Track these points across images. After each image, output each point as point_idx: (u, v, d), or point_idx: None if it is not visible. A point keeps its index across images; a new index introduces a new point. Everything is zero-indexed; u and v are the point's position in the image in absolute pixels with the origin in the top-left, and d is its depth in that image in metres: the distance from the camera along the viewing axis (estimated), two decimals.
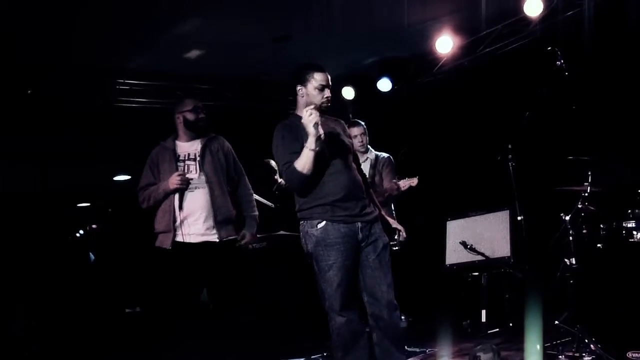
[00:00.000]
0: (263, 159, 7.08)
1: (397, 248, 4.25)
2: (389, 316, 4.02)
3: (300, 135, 3.95)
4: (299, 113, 4.09)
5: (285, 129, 4.10)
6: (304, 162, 3.90)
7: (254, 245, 6.53)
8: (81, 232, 9.25)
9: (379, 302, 4.01)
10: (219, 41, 6.62)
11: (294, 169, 3.93)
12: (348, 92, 8.20)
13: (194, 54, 6.89)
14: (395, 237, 4.26)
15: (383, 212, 4.32)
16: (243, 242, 4.92)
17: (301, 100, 4.11)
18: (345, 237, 3.98)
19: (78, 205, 9.64)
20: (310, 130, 3.85)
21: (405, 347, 4.86)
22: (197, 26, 6.24)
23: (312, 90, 4.05)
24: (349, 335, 3.99)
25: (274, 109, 8.36)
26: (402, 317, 5.18)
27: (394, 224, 4.34)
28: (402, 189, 5.71)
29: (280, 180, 7.10)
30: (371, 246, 4.06)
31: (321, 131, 3.88)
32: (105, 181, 9.26)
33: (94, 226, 9.32)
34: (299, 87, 4.09)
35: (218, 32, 6.41)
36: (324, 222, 4.00)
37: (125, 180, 9.43)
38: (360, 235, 4.02)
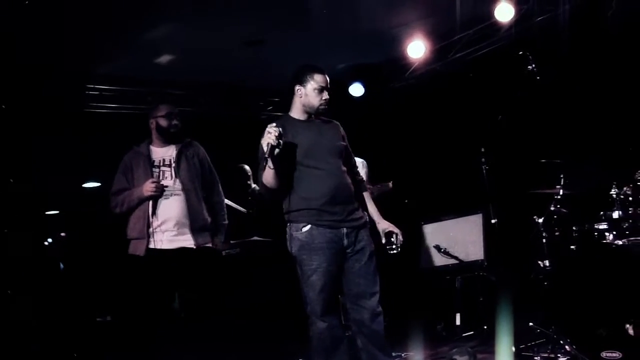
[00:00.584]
0: (237, 164, 7.05)
1: (394, 252, 4.17)
2: (373, 322, 4.00)
3: (286, 134, 3.94)
4: (292, 114, 4.12)
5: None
6: (265, 177, 3.95)
7: (227, 251, 6.49)
8: (49, 240, 9.08)
9: (363, 309, 4.00)
10: (192, 46, 6.56)
11: (261, 182, 3.99)
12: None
13: (165, 59, 6.82)
14: (392, 239, 4.16)
15: (377, 216, 4.26)
16: (215, 245, 4.86)
17: (298, 101, 4.10)
18: (330, 242, 3.94)
19: (47, 212, 9.47)
20: (263, 149, 3.84)
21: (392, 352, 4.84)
22: (169, 31, 6.18)
23: (310, 92, 4.04)
24: (330, 341, 3.98)
25: (247, 115, 8.35)
26: None
27: (390, 227, 4.21)
28: (375, 194, 5.71)
29: (254, 185, 7.07)
30: (358, 253, 4.02)
31: (271, 148, 3.81)
32: (74, 188, 9.12)
33: (62, 234, 9.16)
34: (297, 87, 4.07)
35: (191, 37, 6.36)
36: (309, 226, 3.98)
37: (95, 187, 9.30)
38: (345, 241, 3.99)
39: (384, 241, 4.16)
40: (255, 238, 6.66)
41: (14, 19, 5.50)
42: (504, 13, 6.28)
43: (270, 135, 3.81)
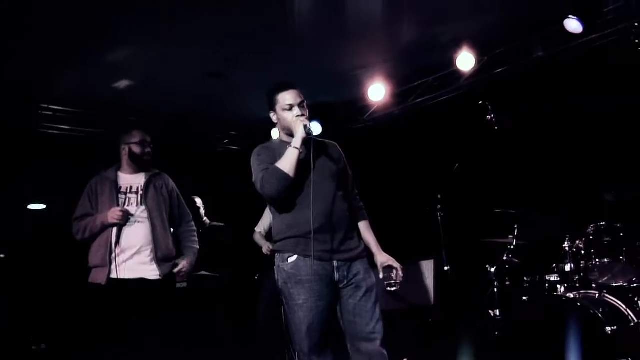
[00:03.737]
0: (190, 195, 6.94)
1: (393, 289, 3.90)
2: None
3: (277, 156, 3.64)
4: (281, 138, 3.83)
5: (262, 149, 3.81)
6: (286, 161, 3.56)
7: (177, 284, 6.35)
8: None
9: (361, 354, 3.62)
10: (151, 73, 6.49)
11: (275, 168, 3.57)
12: (276, 134, 8.15)
13: (123, 83, 6.71)
14: (392, 274, 3.80)
15: (376, 248, 3.85)
16: (177, 269, 4.62)
17: (278, 127, 3.84)
18: (317, 275, 3.58)
19: None
20: (298, 128, 3.59)
21: None
22: (129, 56, 6.09)
23: (281, 113, 3.74)
24: None
25: (202, 145, 8.27)
26: None
27: (390, 261, 3.80)
28: None
29: (205, 218, 6.96)
30: (351, 288, 3.64)
31: (306, 132, 3.59)
32: (18, 209, 8.87)
33: (1, 256, 8.86)
34: (271, 114, 3.82)
35: (150, 63, 6.29)
36: (295, 257, 3.63)
37: (40, 209, 9.06)
38: (336, 276, 3.62)
39: (381, 276, 3.79)
40: (203, 272, 6.55)
41: None
42: (465, 62, 6.38)
43: (303, 118, 3.62)
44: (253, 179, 3.73)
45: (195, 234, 4.95)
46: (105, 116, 7.26)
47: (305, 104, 3.76)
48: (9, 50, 5.68)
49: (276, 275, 3.73)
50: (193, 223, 4.95)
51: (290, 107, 3.71)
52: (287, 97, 3.73)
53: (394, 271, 3.78)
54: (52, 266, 7.46)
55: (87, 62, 6.11)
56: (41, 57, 5.89)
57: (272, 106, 3.81)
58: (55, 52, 5.83)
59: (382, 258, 3.81)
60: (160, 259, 4.54)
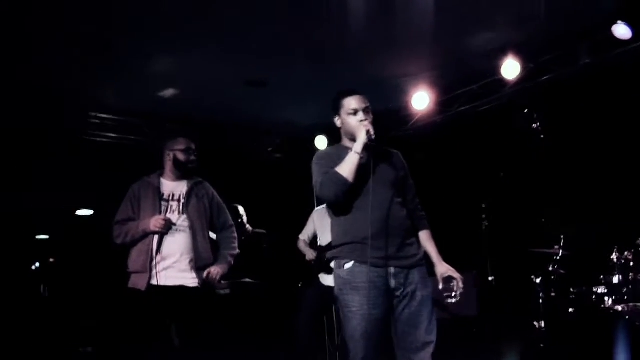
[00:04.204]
0: (231, 203, 6.99)
1: (452, 301, 3.81)
2: None
3: (338, 161, 3.64)
4: (343, 143, 3.82)
5: (324, 154, 3.87)
6: (346, 166, 3.56)
7: (218, 291, 6.39)
8: (37, 264, 8.98)
9: None
10: (194, 82, 6.56)
11: (335, 172, 3.58)
12: (321, 142, 8.20)
13: (168, 92, 6.81)
14: (452, 285, 3.71)
15: (437, 258, 3.79)
16: (205, 274, 4.59)
17: (342, 132, 3.83)
18: (373, 282, 3.53)
19: (37, 237, 9.39)
20: (361, 133, 3.57)
21: None
22: (174, 66, 6.18)
23: (345, 117, 3.73)
24: None
25: (244, 155, 8.33)
26: None
27: (450, 271, 3.73)
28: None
29: (247, 226, 7.00)
30: (407, 299, 3.59)
31: (368, 138, 3.56)
32: (67, 215, 9.06)
33: (51, 259, 9.06)
34: (335, 119, 3.80)
35: (194, 72, 6.36)
36: (351, 263, 3.60)
37: (88, 215, 9.24)
38: (393, 283, 3.56)
39: (441, 287, 3.70)
40: (247, 280, 6.58)
41: (19, 47, 5.49)
42: (510, 70, 6.29)
43: (367, 124, 3.60)
44: (313, 183, 3.76)
45: (236, 240, 4.93)
46: (151, 124, 7.37)
47: (370, 110, 3.75)
48: (60, 60, 5.81)
49: (334, 282, 3.71)
50: (234, 229, 4.94)
51: (355, 112, 3.70)
52: (352, 102, 3.72)
53: (454, 282, 3.70)
54: (99, 271, 7.60)
55: (134, 72, 6.21)
56: (90, 67, 6.01)
57: (336, 110, 3.79)
58: (104, 62, 5.95)
59: (442, 268, 3.75)
60: (199, 267, 4.56)
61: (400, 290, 3.58)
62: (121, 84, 6.54)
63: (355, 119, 3.69)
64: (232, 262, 4.82)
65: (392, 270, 3.57)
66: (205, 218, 4.69)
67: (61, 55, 5.74)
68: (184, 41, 5.68)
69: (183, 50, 5.90)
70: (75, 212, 9.19)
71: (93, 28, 5.32)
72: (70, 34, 5.40)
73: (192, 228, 4.58)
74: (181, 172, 4.74)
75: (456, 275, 3.70)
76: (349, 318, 3.58)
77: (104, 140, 7.17)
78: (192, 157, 4.75)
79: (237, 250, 4.91)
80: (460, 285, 3.69)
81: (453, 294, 3.70)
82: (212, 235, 4.99)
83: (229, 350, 5.80)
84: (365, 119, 3.67)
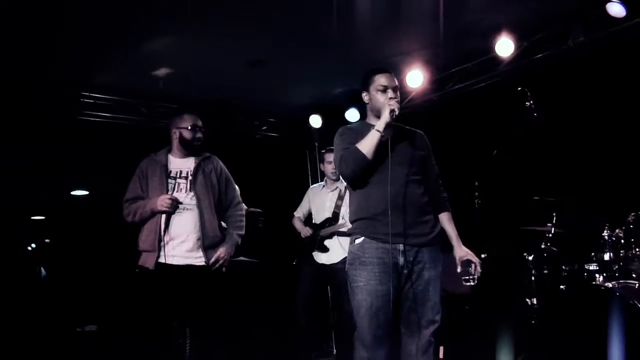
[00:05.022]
0: None
1: (470, 283, 3.83)
2: (422, 355, 3.66)
3: (360, 137, 3.70)
4: (367, 120, 3.90)
5: (346, 129, 3.90)
6: (366, 142, 3.62)
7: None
8: (33, 245, 8.99)
9: (414, 339, 3.67)
10: (190, 61, 6.54)
11: (355, 148, 3.65)
12: (315, 121, 8.21)
13: (162, 72, 6.79)
14: (470, 269, 3.77)
15: (456, 241, 3.88)
16: (213, 258, 4.63)
17: (368, 107, 3.91)
18: (381, 258, 3.60)
19: (32, 218, 9.40)
20: (385, 111, 3.65)
21: None
22: (169, 44, 6.15)
23: (374, 94, 3.81)
24: None
25: (239, 134, 8.33)
26: None
27: (469, 255, 3.81)
28: None
29: (242, 204, 7.02)
30: (415, 276, 3.65)
31: (391, 117, 3.64)
32: (62, 195, 9.07)
33: (47, 240, 9.07)
34: (363, 94, 3.89)
35: (190, 52, 6.33)
36: (362, 238, 3.68)
37: (83, 195, 9.25)
38: (401, 260, 3.62)
39: (459, 270, 3.80)
40: (241, 258, 6.62)
41: (12, 29, 5.46)
42: (504, 48, 6.28)
43: (393, 103, 3.68)
44: (333, 158, 3.94)
45: (243, 218, 4.95)
46: (145, 104, 7.36)
47: (398, 90, 3.86)
48: (51, 40, 5.78)
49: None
50: (241, 206, 4.97)
51: (385, 89, 3.79)
52: (383, 79, 3.82)
53: (472, 265, 3.78)
54: (95, 250, 7.63)
55: (127, 51, 6.18)
56: (82, 46, 5.97)
57: (366, 86, 3.87)
58: (96, 41, 5.90)
59: (461, 252, 3.83)
60: (206, 246, 4.60)
61: (409, 268, 3.64)
62: (116, 63, 6.51)
63: (383, 96, 3.78)
64: (240, 242, 4.87)
65: (400, 247, 3.64)
66: (212, 194, 4.71)
67: (57, 35, 5.71)
68: (181, 20, 5.65)
69: (180, 30, 5.87)
70: (70, 192, 9.21)
71: (87, 5, 5.28)
72: (61, 12, 5.36)
73: (199, 206, 4.61)
74: (187, 150, 4.76)
75: (474, 259, 3.79)
76: (355, 292, 3.66)
77: (99, 120, 7.14)
78: (199, 135, 4.77)
79: (244, 230, 4.93)
80: (479, 269, 3.78)
81: (470, 277, 3.78)
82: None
83: (227, 328, 5.87)
84: (394, 98, 3.76)
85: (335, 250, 6.13)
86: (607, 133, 5.76)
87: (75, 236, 8.50)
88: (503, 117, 5.82)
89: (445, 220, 3.93)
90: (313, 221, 6.41)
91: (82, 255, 8.20)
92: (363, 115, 4.05)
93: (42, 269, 8.44)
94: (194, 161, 4.75)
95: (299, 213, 6.55)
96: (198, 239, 4.59)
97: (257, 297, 6.61)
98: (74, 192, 9.27)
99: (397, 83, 3.87)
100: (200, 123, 4.81)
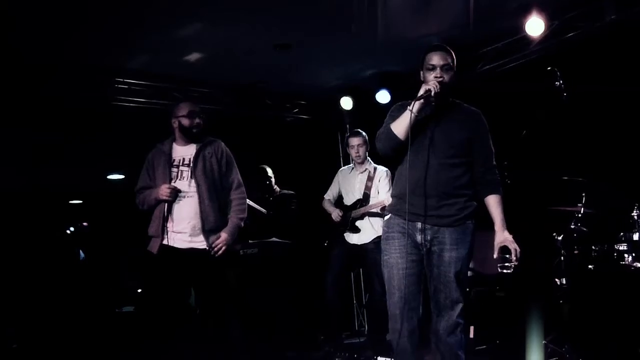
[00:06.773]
0: (259, 165, 7.10)
1: (508, 271, 3.78)
2: (448, 336, 3.67)
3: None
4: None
5: (398, 106, 3.86)
6: (398, 122, 3.65)
7: (245, 250, 6.54)
8: (71, 229, 9.22)
9: (441, 319, 3.69)
10: (220, 46, 6.61)
11: (389, 127, 3.70)
12: (346, 103, 8.22)
13: (194, 57, 6.88)
14: (508, 256, 3.76)
15: (499, 226, 3.81)
16: (214, 243, 4.70)
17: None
18: (401, 233, 3.68)
19: (70, 202, 9.63)
20: (421, 90, 3.64)
21: None
22: (199, 30, 6.22)
23: (425, 72, 3.77)
24: (396, 348, 3.69)
25: (270, 117, 8.40)
26: None
27: (507, 241, 3.76)
28: None
29: (275, 187, 7.11)
30: (434, 255, 3.70)
31: (428, 96, 3.61)
32: (99, 179, 9.26)
33: (85, 224, 9.29)
34: (421, 73, 3.83)
35: (220, 37, 6.40)
36: (389, 215, 3.82)
37: (119, 179, 9.43)
38: (419, 238, 3.69)
39: (496, 256, 3.79)
40: (274, 239, 6.71)
41: (45, 16, 5.57)
42: (535, 27, 6.21)
43: (434, 83, 3.64)
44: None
45: (244, 201, 4.99)
46: (178, 88, 7.46)
47: (450, 68, 3.78)
48: (85, 27, 5.89)
49: None
50: (243, 189, 5.01)
51: (433, 68, 3.73)
52: (432, 57, 3.76)
53: (511, 252, 3.73)
54: (131, 233, 7.79)
55: (159, 36, 6.28)
56: (115, 33, 6.08)
57: (421, 65, 3.83)
58: (128, 27, 6.01)
59: (500, 237, 3.79)
60: (207, 230, 4.71)
61: (427, 247, 3.69)
62: (149, 49, 6.62)
63: (431, 74, 3.72)
64: (242, 225, 4.93)
65: (419, 225, 3.68)
66: (212, 179, 4.80)
67: (90, 21, 5.81)
68: (211, 5, 5.72)
69: (210, 15, 5.93)
70: (106, 177, 9.40)
71: None
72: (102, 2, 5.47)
73: (199, 193, 4.72)
74: (188, 137, 4.87)
75: (512, 246, 3.73)
76: (383, 265, 3.79)
77: (133, 105, 7.27)
78: (197, 121, 4.86)
79: (245, 214, 4.99)
80: (517, 256, 3.72)
81: (507, 264, 3.71)
82: None
83: (256, 311, 5.98)
84: (440, 77, 3.69)
85: (367, 231, 6.19)
86: (638, 112, 5.68)
87: (112, 219, 8.69)
88: (533, 96, 5.77)
89: (492, 203, 3.85)
90: (344, 203, 6.46)
91: (119, 238, 8.38)
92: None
93: (80, 251, 8.65)
94: (195, 148, 4.85)
95: (329, 195, 6.61)
96: (199, 225, 4.71)
97: (289, 278, 6.69)
98: (110, 176, 9.46)
99: (449, 61, 3.76)
100: (197, 109, 4.93)
